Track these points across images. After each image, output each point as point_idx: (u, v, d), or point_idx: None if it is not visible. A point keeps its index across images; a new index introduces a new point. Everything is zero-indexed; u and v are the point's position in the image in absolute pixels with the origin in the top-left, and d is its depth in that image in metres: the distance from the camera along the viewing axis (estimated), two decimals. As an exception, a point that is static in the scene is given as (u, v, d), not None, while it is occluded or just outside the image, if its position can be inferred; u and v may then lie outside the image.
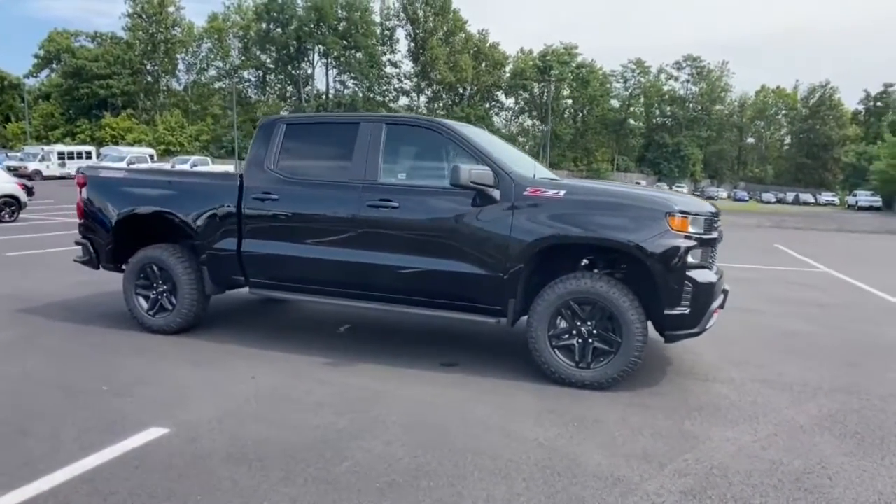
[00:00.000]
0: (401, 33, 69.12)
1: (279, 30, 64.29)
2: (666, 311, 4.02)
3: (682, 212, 4.07)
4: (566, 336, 4.26)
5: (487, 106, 72.98)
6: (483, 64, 70.32)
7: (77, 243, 5.90)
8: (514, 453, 3.18)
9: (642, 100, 74.03)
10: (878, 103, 66.25)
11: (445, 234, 4.47)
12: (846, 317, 7.07)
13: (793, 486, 2.91)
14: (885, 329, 6.46)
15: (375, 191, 4.67)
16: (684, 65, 74.70)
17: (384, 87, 70.14)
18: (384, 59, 68.38)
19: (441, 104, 73.13)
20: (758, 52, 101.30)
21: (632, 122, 73.44)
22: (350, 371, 4.50)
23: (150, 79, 66.06)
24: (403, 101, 73.15)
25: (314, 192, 4.91)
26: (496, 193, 4.31)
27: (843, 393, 4.29)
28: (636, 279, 4.27)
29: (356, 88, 67.38)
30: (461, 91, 72.29)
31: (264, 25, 64.32)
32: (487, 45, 70.94)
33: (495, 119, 73.63)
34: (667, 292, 4.00)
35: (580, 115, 75.28)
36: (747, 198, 66.05)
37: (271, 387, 4.12)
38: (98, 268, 5.81)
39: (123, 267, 5.69)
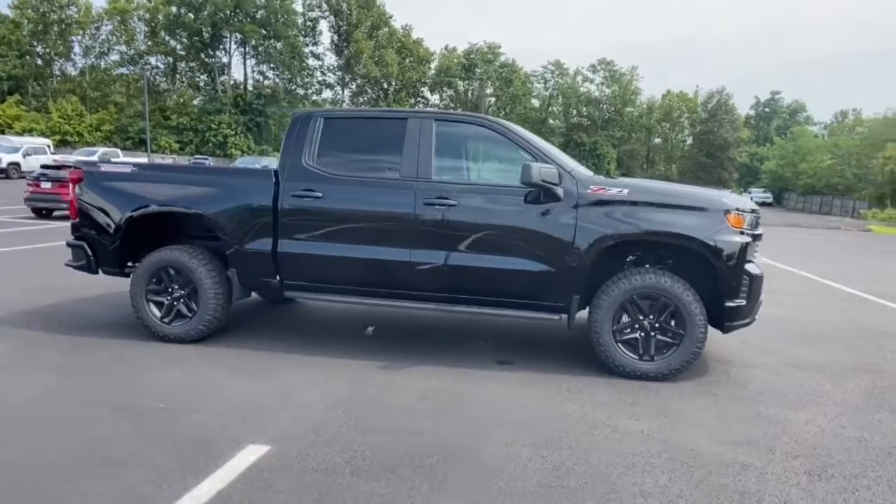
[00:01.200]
0: (324, 25, 67.43)
1: (191, 14, 60.68)
2: (727, 304, 4.25)
3: (738, 210, 4.31)
4: (628, 330, 4.39)
5: (413, 102, 72.78)
6: (407, 59, 70.05)
7: (70, 245, 5.34)
8: (633, 446, 3.26)
9: (561, 100, 76.68)
10: (767, 109, 72.67)
11: (508, 232, 4.47)
12: (812, 303, 7.75)
13: (889, 460, 3.18)
14: (854, 314, 7.15)
15: (431, 188, 4.58)
16: (599, 68, 78.09)
17: (307, 80, 68.18)
18: (306, 50, 66.40)
19: (365, 98, 72.18)
20: (665, 57, 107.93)
21: (552, 121, 75.83)
22: (414, 373, 4.39)
23: (40, 62, 60.25)
24: (327, 94, 71.55)
25: (364, 190, 4.73)
26: (560, 192, 4.36)
27: (866, 372, 4.72)
28: (687, 274, 4.45)
29: (277, 80, 64.99)
30: (386, 86, 71.68)
31: (174, 9, 60.44)
32: (412, 40, 70.76)
33: (419, 115, 73.54)
34: (728, 286, 4.23)
35: (502, 113, 76.75)
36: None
37: (343, 393, 3.94)
38: (96, 272, 5.29)
39: (127, 270, 5.25)
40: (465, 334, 5.57)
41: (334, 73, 70.64)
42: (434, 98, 75.73)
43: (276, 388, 4.02)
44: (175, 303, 5.03)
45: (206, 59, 63.10)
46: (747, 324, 4.42)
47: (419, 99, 74.85)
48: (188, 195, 4.99)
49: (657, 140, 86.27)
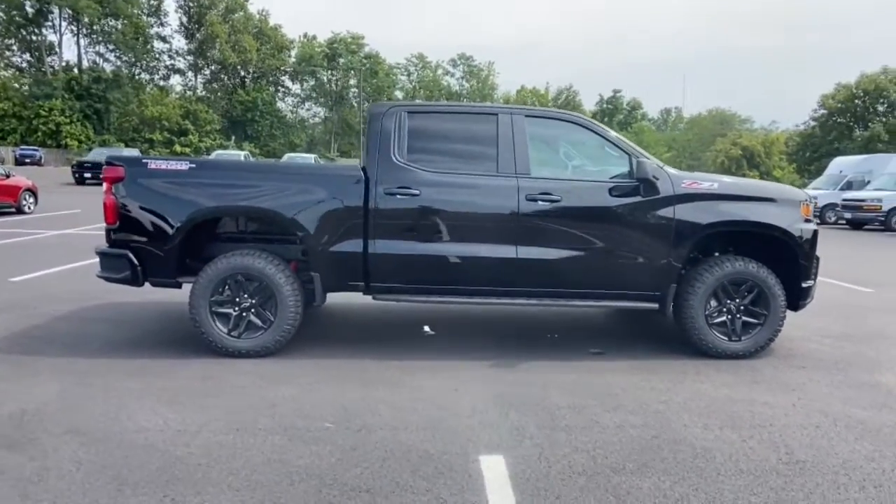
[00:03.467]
0: (171, 5, 61.63)
1: (8, -16, 52.07)
2: (803, 284, 4.79)
3: (808, 201, 4.88)
4: (716, 314, 4.77)
5: (273, 90, 69.36)
6: (265, 46, 66.47)
7: (104, 255, 4.55)
8: (801, 419, 3.59)
9: (423, 93, 77.83)
10: (609, 105, 79.99)
11: (612, 225, 4.62)
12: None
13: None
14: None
15: (534, 184, 4.57)
16: (459, 62, 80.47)
17: (152, 63, 61.91)
18: (152, 31, 60.22)
19: (220, 85, 67.34)
20: (518, 54, 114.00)
21: (417, 113, 77.02)
22: (543, 368, 4.39)
23: None
24: (176, 79, 65.60)
25: (464, 186, 4.59)
26: (661, 186, 4.60)
27: (880, 339, 5.56)
28: (760, 259, 4.91)
29: (118, 63, 58.19)
30: (243, 73, 67.48)
31: (-16, -24, 51.43)
32: (269, 26, 67.24)
33: (280, 104, 70.48)
34: (805, 268, 4.77)
35: (366, 104, 76.00)
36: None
37: (496, 395, 3.85)
38: (142, 284, 4.57)
39: (181, 280, 4.62)
40: (528, 329, 5.63)
41: (184, 58, 65.08)
42: (295, 87, 73.00)
43: (430, 395, 3.81)
44: (245, 314, 4.51)
45: (31, 37, 54.67)
46: (809, 302, 5.01)
47: (280, 88, 71.67)
48: (264, 195, 4.48)
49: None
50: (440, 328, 5.51)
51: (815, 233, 4.81)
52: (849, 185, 20.16)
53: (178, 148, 54.48)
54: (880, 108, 39.00)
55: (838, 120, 40.61)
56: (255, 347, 4.50)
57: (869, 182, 19.64)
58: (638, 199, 4.60)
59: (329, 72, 70.76)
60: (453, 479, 2.79)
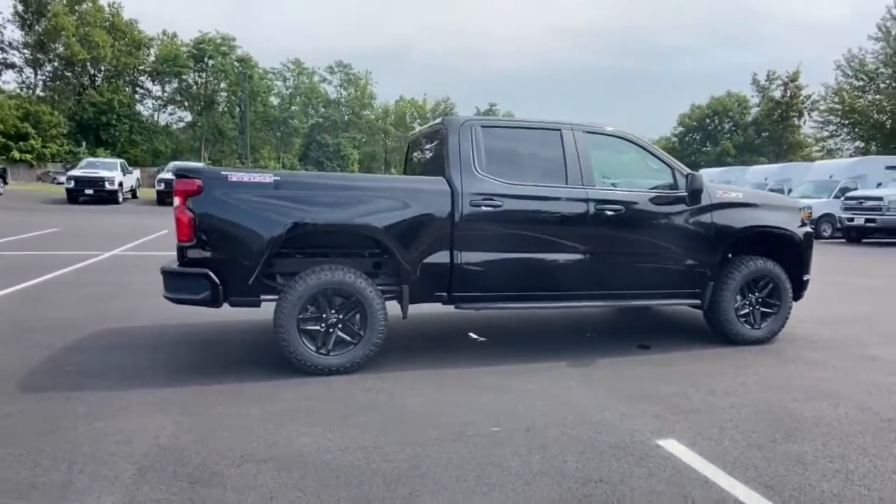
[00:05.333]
0: (1, -9, 54.00)
1: None
2: (804, 277, 5.68)
3: (803, 209, 5.79)
4: (742, 307, 5.50)
5: (130, 91, 63.49)
6: (120, 42, 60.69)
7: (175, 275, 4.21)
8: (855, 386, 4.33)
9: (299, 99, 75.88)
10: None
11: (667, 232, 5.17)
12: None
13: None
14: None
15: (600, 195, 4.98)
16: (336, 70, 79.51)
17: (-22, 57, 53.86)
18: (-23, 20, 52.39)
19: (65, 84, 60.29)
20: (396, 62, 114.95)
21: (294, 121, 74.37)
22: (614, 366, 4.79)
23: None
24: (10, 76, 57.67)
25: (540, 197, 4.87)
26: (703, 196, 5.23)
27: (849, 323, 6.69)
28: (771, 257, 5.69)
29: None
30: (93, 71, 61.04)
31: None
32: (123, 20, 61.50)
33: (139, 107, 64.71)
34: (806, 265, 5.66)
35: (237, 110, 72.36)
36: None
37: (607, 390, 4.17)
38: (220, 305, 4.28)
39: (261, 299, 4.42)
40: (566, 329, 6.02)
41: (20, 52, 57.47)
42: (156, 89, 67.43)
43: (550, 395, 4.01)
44: (332, 329, 4.42)
45: None
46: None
47: (139, 89, 65.84)
48: (355, 208, 4.43)
49: (391, 143, 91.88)
50: (481, 334, 5.72)
51: (811, 234, 5.74)
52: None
53: (16, 154, 48.01)
54: (727, 127, 45.00)
55: (695, 136, 46.15)
56: (346, 363, 4.42)
57: (791, 190, 21.49)
58: (684, 207, 5.20)
59: (196, 74, 66.28)
60: (659, 463, 3.07)
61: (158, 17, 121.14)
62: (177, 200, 4.16)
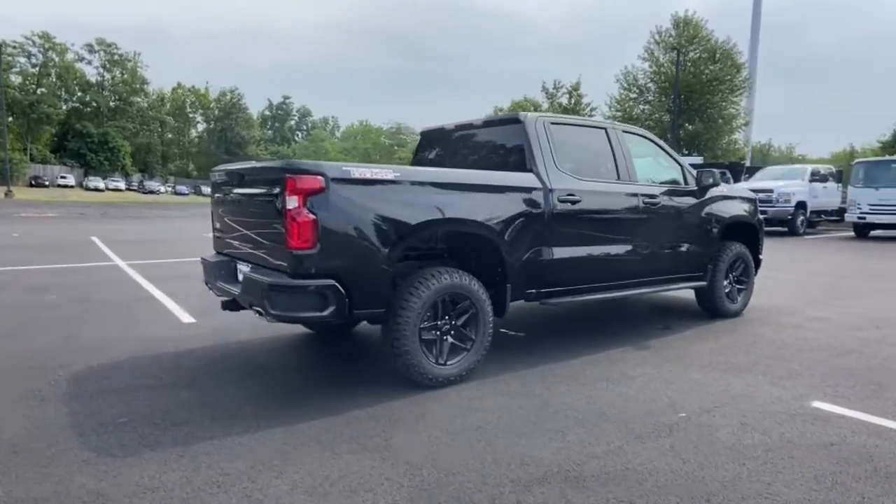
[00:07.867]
0: None
1: None
2: (759, 257, 6.76)
3: (757, 200, 6.88)
4: (727, 285, 6.37)
5: None
6: None
7: (288, 290, 3.48)
8: (881, 348, 5.31)
9: (55, 81, 63.85)
10: (280, 111, 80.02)
11: (688, 221, 5.76)
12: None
13: None
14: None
15: (643, 189, 5.35)
16: (97, 48, 68.65)
17: None
18: None
19: None
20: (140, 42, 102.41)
21: (44, 105, 62.12)
22: (662, 346, 5.19)
23: None
24: None
25: (607, 193, 5.05)
26: (708, 189, 5.93)
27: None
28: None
29: None
30: None
31: None
32: None
33: None
34: (761, 246, 6.75)
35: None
36: (187, 192, 67.97)
37: (700, 368, 4.54)
38: (347, 319, 3.64)
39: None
40: (577, 321, 6.29)
41: None
42: None
43: (662, 383, 4.21)
44: (446, 336, 4.08)
45: None
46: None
47: None
48: (468, 207, 4.11)
49: (170, 135, 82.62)
50: (512, 329, 5.73)
51: (762, 221, 6.88)
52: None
53: None
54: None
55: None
56: (461, 372, 4.10)
57: None
58: (694, 199, 5.84)
59: None
60: (843, 425, 3.50)
61: None
62: (295, 200, 3.40)
